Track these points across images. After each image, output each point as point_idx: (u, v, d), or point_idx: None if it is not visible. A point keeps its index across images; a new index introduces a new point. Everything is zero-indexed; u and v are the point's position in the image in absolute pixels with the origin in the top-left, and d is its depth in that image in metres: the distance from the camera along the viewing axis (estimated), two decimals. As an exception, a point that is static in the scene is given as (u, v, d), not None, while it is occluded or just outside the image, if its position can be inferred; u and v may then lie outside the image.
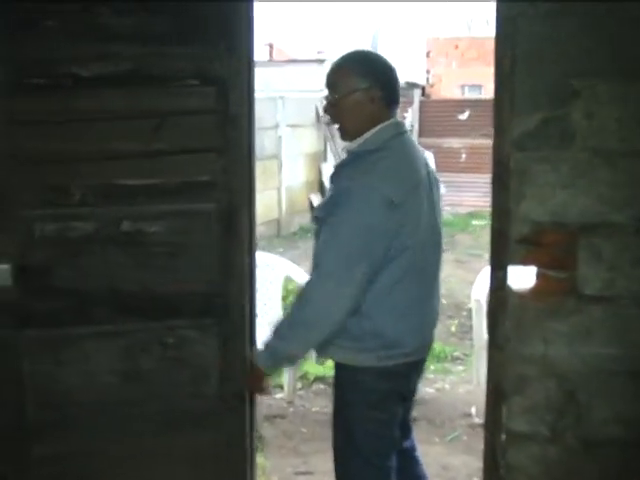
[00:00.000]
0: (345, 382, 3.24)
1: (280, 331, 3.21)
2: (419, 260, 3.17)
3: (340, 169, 3.26)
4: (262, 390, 3.41)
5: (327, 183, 12.90)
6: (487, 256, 5.08)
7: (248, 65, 3.51)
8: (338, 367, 3.30)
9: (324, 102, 3.31)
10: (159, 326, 3.48)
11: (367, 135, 3.18)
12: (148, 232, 3.43)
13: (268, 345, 3.25)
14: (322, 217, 3.16)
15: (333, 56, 18.43)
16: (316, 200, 15.72)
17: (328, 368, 6.32)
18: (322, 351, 3.35)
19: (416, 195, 3.14)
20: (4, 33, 3.29)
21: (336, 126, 3.28)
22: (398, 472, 3.35)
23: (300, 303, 3.14)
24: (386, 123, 3.20)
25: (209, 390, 3.56)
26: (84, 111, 3.33)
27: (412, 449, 3.56)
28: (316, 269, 3.09)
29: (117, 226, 3.41)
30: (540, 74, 3.03)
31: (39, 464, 3.50)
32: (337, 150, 16.46)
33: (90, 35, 3.31)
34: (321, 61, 18.49)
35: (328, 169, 16.25)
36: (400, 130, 3.24)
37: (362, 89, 3.15)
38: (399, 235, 3.07)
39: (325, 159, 16.50)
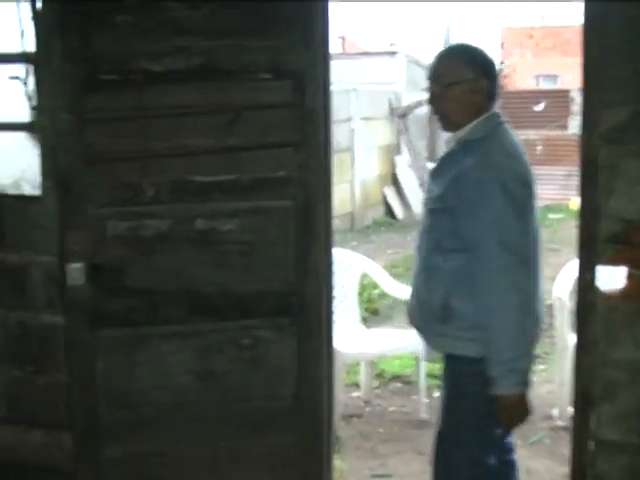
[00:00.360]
0: (463, 375, 3.13)
1: (510, 348, 2.97)
2: (536, 249, 3.11)
3: (449, 158, 3.20)
4: (528, 413, 3.21)
5: (402, 176, 12.69)
6: (565, 251, 4.95)
7: (324, 58, 3.43)
8: (455, 360, 3.18)
9: (427, 92, 3.24)
10: (234, 326, 3.43)
11: (472, 125, 3.15)
12: (222, 230, 3.37)
13: (512, 369, 2.98)
14: (440, 209, 3.11)
15: (405, 48, 18.32)
16: (390, 193, 15.61)
17: (404, 366, 6.24)
18: (438, 346, 3.26)
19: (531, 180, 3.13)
20: (76, 30, 3.26)
21: (437, 117, 3.23)
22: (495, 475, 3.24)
23: (509, 308, 2.96)
24: (487, 114, 3.18)
25: (285, 391, 3.50)
26: (156, 107, 3.28)
27: (510, 450, 3.43)
28: (493, 266, 2.97)
29: (191, 224, 3.36)
30: (631, 64, 2.90)
31: (111, 465, 3.47)
32: (411, 143, 16.33)
33: (161, 29, 3.27)
34: (393, 53, 18.38)
35: (402, 162, 16.13)
36: (501, 120, 3.22)
37: (469, 79, 3.13)
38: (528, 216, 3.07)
39: (399, 152, 16.38)
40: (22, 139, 3.64)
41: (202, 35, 3.28)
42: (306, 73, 3.32)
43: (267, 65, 3.32)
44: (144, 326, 3.39)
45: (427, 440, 4.89)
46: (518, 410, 3.04)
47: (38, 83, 3.50)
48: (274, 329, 3.44)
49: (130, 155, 3.31)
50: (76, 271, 3.30)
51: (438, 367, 5.78)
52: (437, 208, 3.15)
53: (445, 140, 3.33)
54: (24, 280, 3.61)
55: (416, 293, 3.27)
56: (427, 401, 5.39)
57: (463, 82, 3.12)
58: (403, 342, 5.38)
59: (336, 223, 12.42)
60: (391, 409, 5.67)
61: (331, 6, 3.46)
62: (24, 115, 3.61)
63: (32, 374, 3.63)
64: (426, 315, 3.19)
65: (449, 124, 3.21)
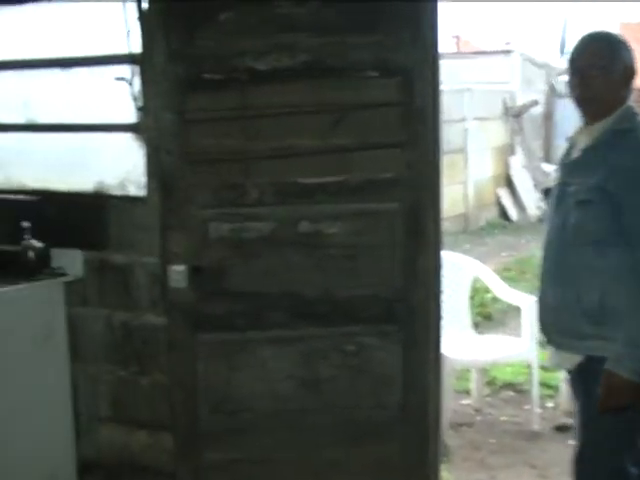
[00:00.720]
0: None
1: None
2: None
3: (595, 149, 3.05)
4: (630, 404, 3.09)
5: (516, 177, 12.36)
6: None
7: (433, 56, 3.32)
8: (598, 362, 3.01)
9: (574, 79, 3.10)
10: (338, 332, 3.34)
11: (615, 115, 3.03)
12: (327, 233, 3.29)
13: (638, 356, 2.86)
14: (593, 200, 2.94)
15: (520, 47, 17.99)
16: (504, 194, 15.36)
17: (517, 374, 6.06)
18: (584, 349, 3.08)
19: None
20: (180, 30, 3.23)
21: (583, 104, 3.09)
22: None
23: None
24: (625, 106, 3.06)
25: (391, 399, 3.40)
26: (260, 106, 3.22)
27: None
28: None
29: (294, 227, 3.29)
30: None
31: (210, 469, 3.43)
32: (526, 143, 16.03)
33: (266, 27, 3.20)
34: (508, 52, 18.07)
35: (516, 163, 15.86)
36: (636, 112, 3.09)
37: (624, 63, 3.03)
38: None
39: (513, 153, 16.11)
40: (128, 140, 3.65)
41: (308, 32, 3.21)
42: (415, 71, 3.22)
43: (374, 63, 3.23)
44: (246, 330, 3.33)
45: (539, 453, 4.73)
46: (619, 396, 2.88)
47: (143, 84, 3.49)
48: (380, 336, 3.35)
49: (234, 156, 3.25)
50: (178, 273, 3.25)
51: (551, 376, 5.63)
52: (590, 199, 2.95)
53: (576, 133, 3.15)
54: (128, 280, 3.63)
55: (557, 294, 3.05)
56: (540, 411, 5.20)
57: (620, 64, 3.02)
58: (515, 349, 5.22)
59: (448, 225, 12.25)
60: (502, 419, 5.50)
61: (443, 5, 3.36)
62: (130, 116, 3.61)
63: (136, 375, 3.64)
64: (572, 317, 2.98)
65: (596, 111, 3.06)
